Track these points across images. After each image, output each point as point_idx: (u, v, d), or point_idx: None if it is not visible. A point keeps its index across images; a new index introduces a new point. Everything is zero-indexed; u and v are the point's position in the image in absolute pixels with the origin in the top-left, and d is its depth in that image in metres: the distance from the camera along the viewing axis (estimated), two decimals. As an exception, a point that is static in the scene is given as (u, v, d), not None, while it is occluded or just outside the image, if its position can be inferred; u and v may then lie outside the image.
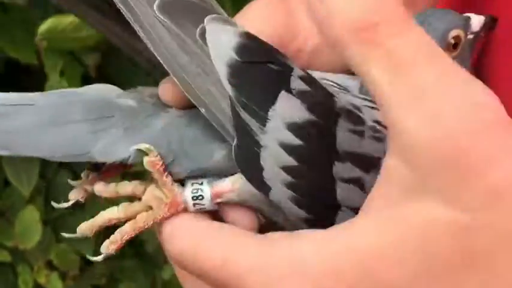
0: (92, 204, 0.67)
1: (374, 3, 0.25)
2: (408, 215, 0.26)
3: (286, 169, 0.32)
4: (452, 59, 0.34)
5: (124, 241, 0.33)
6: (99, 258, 0.33)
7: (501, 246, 0.25)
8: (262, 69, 0.33)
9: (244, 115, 0.32)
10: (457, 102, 0.25)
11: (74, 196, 0.35)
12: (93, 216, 0.36)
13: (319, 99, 0.33)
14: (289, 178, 0.32)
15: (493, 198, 0.25)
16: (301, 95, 0.33)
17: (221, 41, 0.33)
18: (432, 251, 0.25)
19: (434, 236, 0.25)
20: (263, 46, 0.33)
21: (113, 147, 0.34)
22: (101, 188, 0.34)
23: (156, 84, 0.38)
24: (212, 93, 0.33)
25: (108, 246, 0.33)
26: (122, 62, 0.91)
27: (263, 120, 0.32)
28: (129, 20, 0.33)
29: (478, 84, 0.26)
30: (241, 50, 0.33)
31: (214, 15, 0.34)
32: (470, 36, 0.38)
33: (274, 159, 0.32)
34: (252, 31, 0.34)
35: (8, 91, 0.37)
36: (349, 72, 0.39)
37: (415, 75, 0.25)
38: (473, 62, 0.40)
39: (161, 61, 0.33)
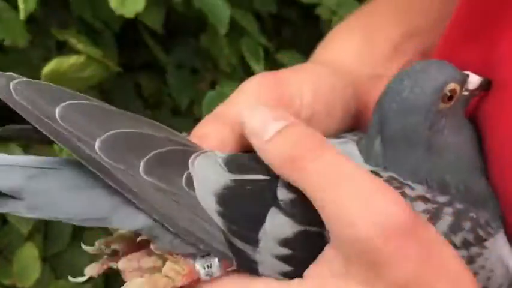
0: (90, 237, 0.68)
1: (297, 139, 0.34)
2: None
3: (284, 274, 0.35)
4: (448, 109, 0.36)
5: None
6: None
7: None
8: (249, 192, 0.36)
9: (237, 242, 0.34)
10: (373, 212, 0.33)
11: (90, 273, 0.38)
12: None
13: (305, 206, 0.35)
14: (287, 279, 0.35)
15: None
16: (289, 206, 0.35)
17: (206, 181, 0.36)
18: None
19: None
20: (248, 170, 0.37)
21: (129, 217, 0.36)
22: (125, 265, 0.36)
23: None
24: (207, 230, 0.35)
25: None
26: (121, 100, 0.92)
27: (255, 243, 0.35)
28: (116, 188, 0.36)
29: (389, 192, 0.34)
30: (229, 189, 0.36)
31: (194, 157, 0.37)
32: (466, 93, 0.39)
33: (271, 268, 0.34)
34: (247, 110, 0.37)
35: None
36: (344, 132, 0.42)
37: (337, 193, 0.33)
38: (469, 111, 0.41)
39: (156, 218, 0.35)
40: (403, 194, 0.37)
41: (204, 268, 0.36)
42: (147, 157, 0.36)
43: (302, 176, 0.34)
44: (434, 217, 0.36)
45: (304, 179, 0.34)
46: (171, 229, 0.35)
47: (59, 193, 0.36)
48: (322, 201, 0.33)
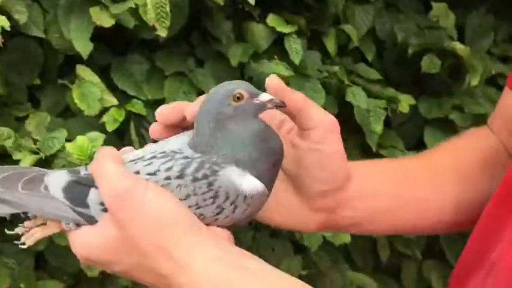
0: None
1: (97, 160, 0.63)
2: (111, 226, 0.61)
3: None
4: (237, 106, 0.60)
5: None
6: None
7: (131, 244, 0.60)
8: (79, 182, 0.63)
9: (79, 209, 0.62)
10: (106, 190, 0.61)
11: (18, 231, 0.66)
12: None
13: None
14: None
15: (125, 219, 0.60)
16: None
17: (57, 182, 0.63)
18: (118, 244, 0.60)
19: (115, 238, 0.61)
20: (82, 179, 0.63)
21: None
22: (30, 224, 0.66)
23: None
24: (63, 209, 0.62)
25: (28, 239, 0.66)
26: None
27: (87, 206, 0.62)
28: None
29: (118, 177, 0.61)
30: (69, 183, 0.63)
31: (48, 174, 0.64)
32: (257, 101, 0.61)
33: (97, 216, 0.63)
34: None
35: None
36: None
37: (98, 182, 0.62)
38: None
39: (30, 212, 0.65)
40: (173, 157, 0.61)
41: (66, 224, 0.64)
42: (22, 181, 0.63)
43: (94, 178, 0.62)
44: (186, 166, 0.60)
45: (94, 178, 0.62)
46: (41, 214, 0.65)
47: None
48: (98, 187, 0.62)
